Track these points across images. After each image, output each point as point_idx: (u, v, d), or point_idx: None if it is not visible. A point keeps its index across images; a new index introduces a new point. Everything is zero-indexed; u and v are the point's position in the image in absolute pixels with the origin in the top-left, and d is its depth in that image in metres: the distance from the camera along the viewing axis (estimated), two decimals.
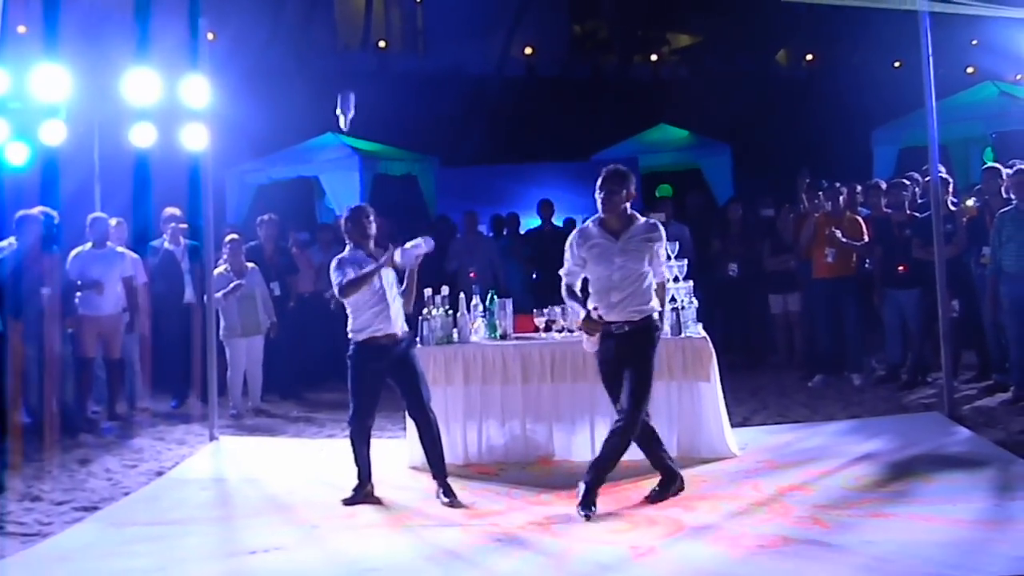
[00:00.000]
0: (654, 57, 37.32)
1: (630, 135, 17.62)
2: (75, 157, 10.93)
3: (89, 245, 9.38)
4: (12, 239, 8.57)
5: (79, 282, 9.12)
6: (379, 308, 6.30)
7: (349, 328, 6.39)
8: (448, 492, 6.25)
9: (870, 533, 5.22)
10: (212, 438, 8.31)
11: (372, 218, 6.47)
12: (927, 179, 8.66)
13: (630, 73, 34.35)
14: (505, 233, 12.52)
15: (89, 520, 6.20)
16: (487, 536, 5.54)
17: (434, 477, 6.37)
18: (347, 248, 6.47)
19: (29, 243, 8.57)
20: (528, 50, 35.41)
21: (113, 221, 9.83)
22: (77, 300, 9.14)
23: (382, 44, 34.41)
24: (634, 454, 6.82)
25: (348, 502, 6.32)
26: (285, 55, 26.07)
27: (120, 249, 9.58)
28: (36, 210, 8.83)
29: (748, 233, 10.97)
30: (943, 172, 8.51)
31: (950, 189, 9.43)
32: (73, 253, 9.26)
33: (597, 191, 5.94)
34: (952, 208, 9.14)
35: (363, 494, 6.38)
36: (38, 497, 6.71)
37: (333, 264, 6.37)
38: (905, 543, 5.05)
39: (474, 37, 32.57)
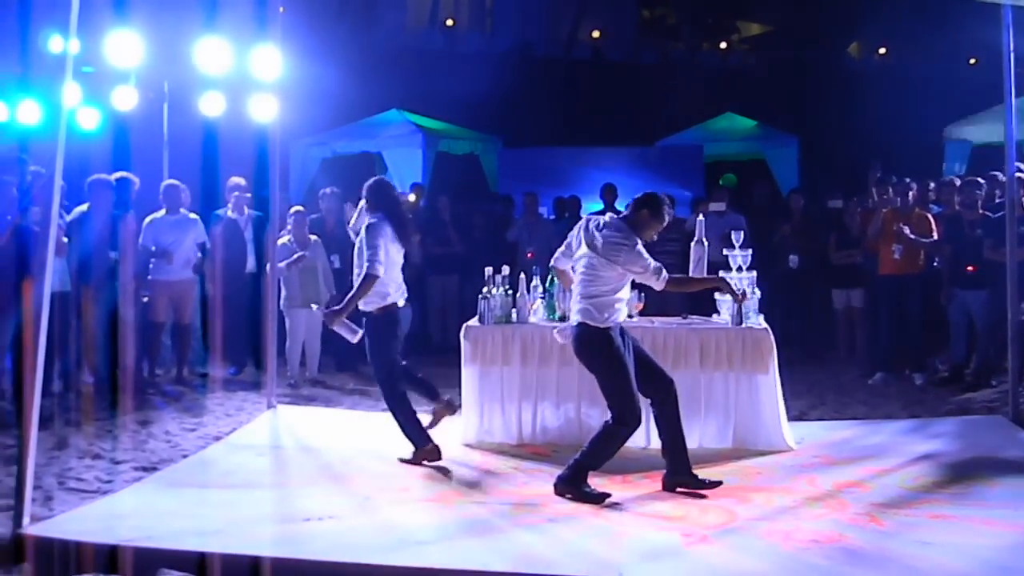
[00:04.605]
0: (723, 45, 36.93)
1: (696, 123, 17.50)
2: (145, 123, 11.10)
3: (163, 212, 9.50)
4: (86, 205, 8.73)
5: (153, 248, 9.26)
6: None
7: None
8: None
9: (928, 534, 5.13)
10: (269, 406, 8.39)
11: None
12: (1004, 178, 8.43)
13: (698, 60, 33.93)
14: (566, 216, 12.46)
15: (148, 480, 6.29)
16: (538, 516, 5.54)
17: None
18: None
19: (100, 207, 8.70)
20: (596, 33, 35.22)
21: None
22: (151, 266, 9.30)
23: (450, 22, 34.41)
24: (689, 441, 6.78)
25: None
26: (352, 30, 26.20)
27: (192, 216, 9.70)
28: (115, 175, 8.97)
29: (811, 225, 10.83)
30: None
31: None
32: (147, 220, 9.39)
33: None
34: None
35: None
36: (99, 455, 6.85)
37: None
38: (963, 546, 4.96)
39: (542, 19, 32.49)
